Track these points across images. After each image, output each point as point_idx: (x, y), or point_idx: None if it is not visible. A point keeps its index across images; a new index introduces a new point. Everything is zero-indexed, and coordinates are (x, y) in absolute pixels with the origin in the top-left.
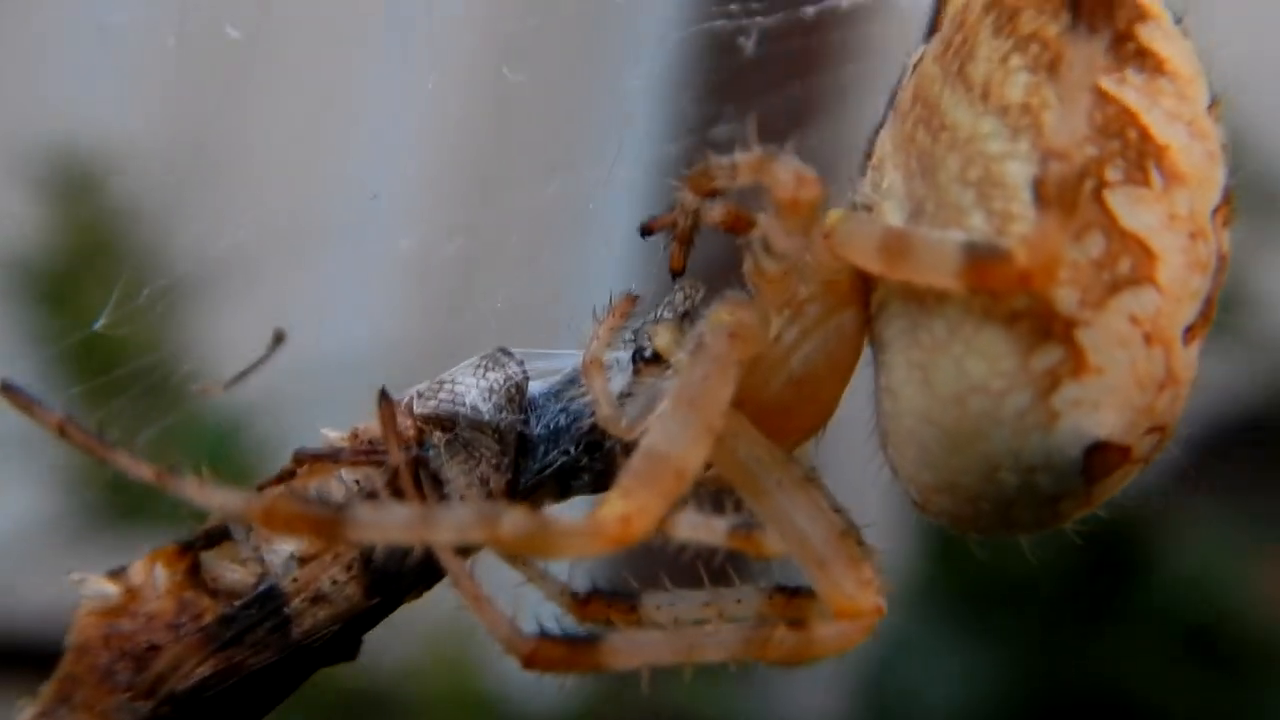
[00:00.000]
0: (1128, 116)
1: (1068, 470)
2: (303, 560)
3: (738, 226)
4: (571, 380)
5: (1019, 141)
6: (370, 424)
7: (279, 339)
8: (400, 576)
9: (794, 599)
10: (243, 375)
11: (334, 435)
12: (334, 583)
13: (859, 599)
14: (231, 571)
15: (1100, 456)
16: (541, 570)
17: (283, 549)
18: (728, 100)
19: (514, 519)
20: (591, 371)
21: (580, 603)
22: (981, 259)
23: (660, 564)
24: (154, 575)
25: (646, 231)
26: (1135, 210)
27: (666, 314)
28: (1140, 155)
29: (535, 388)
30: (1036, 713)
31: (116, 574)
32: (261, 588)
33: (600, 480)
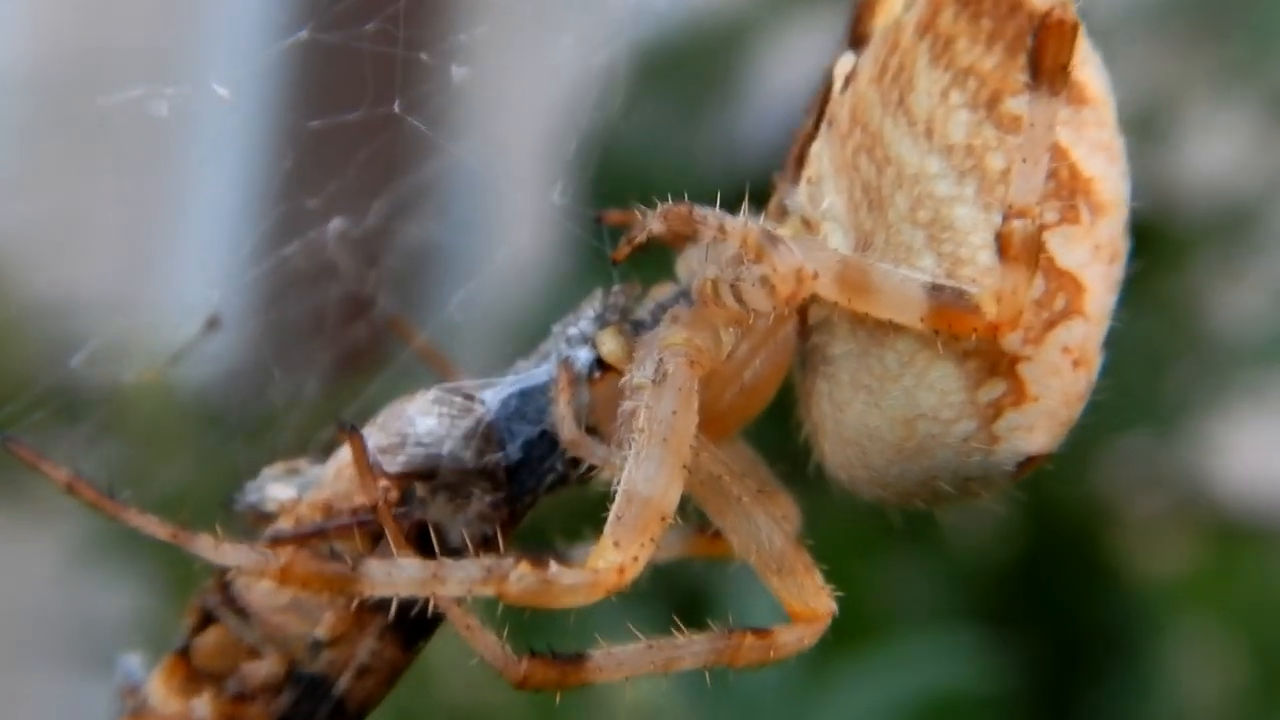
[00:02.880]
0: (1060, 155)
1: (1001, 479)
2: (332, 643)
3: (677, 243)
4: (524, 393)
5: (965, 185)
6: (335, 486)
7: (213, 324)
8: (424, 620)
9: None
10: (178, 355)
11: (285, 497)
12: (372, 653)
13: (815, 604)
14: (258, 668)
15: (1029, 464)
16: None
17: (293, 629)
18: None
19: (521, 575)
20: (559, 396)
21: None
22: (948, 306)
23: None
24: (192, 708)
25: (599, 221)
26: (1068, 248)
27: (611, 316)
28: (1071, 193)
29: (492, 406)
30: None
31: (142, 715)
32: (300, 678)
33: (583, 477)
